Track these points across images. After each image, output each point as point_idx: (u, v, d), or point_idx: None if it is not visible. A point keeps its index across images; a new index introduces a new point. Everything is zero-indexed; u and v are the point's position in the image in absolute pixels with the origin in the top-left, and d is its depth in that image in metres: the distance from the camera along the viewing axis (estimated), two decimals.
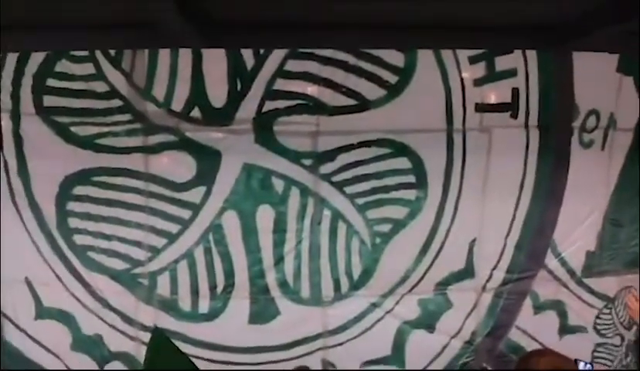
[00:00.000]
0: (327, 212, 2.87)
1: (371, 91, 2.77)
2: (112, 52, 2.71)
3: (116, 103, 2.73)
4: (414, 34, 2.62)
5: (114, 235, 2.79)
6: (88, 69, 2.70)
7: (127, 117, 2.74)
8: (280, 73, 2.75)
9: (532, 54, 2.81)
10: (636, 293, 2.78)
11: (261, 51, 2.73)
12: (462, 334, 3.00)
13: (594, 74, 2.85)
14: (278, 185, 2.83)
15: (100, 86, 2.71)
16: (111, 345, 2.84)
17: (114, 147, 2.75)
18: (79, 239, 2.79)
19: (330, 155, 2.81)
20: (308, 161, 2.82)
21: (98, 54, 2.70)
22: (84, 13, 2.45)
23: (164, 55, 2.72)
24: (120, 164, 2.76)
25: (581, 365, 2.70)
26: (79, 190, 2.76)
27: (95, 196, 2.77)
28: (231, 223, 2.84)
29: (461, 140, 2.83)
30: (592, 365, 2.71)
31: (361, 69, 2.76)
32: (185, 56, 2.72)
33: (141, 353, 2.82)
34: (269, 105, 2.77)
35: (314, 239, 2.88)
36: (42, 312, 2.83)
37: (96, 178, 2.76)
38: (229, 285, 2.88)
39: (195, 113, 2.76)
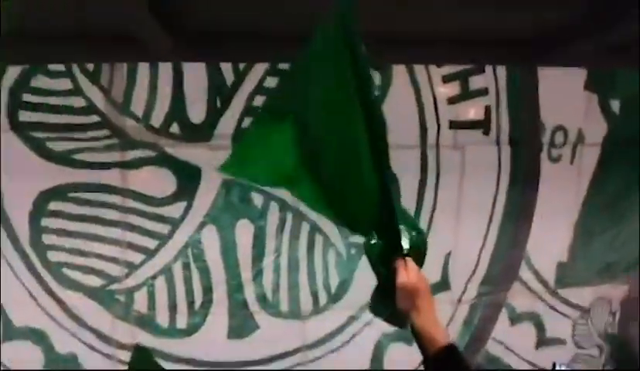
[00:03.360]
0: (305, 226, 2.89)
1: None
2: (90, 67, 2.70)
3: (93, 118, 2.72)
4: (388, 49, 2.67)
5: (90, 251, 2.76)
6: (65, 84, 2.69)
7: (104, 132, 2.73)
8: (260, 89, 2.78)
9: (502, 72, 2.90)
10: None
11: (241, 67, 2.77)
12: None
13: (561, 91, 2.95)
14: (257, 200, 2.85)
15: (77, 102, 2.70)
16: (86, 363, 2.79)
17: (91, 162, 2.73)
18: (53, 255, 2.75)
19: None
20: None
21: (75, 69, 2.69)
22: (60, 26, 2.43)
23: (143, 70, 2.72)
24: (97, 179, 2.73)
25: (557, 367, 2.77)
26: (54, 206, 2.73)
27: (71, 212, 2.74)
28: (210, 238, 2.85)
29: (435, 156, 2.90)
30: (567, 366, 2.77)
31: None
32: (165, 71, 2.73)
33: None
34: (248, 121, 2.80)
35: (292, 253, 2.90)
36: (13, 333, 2.78)
37: (72, 194, 2.73)
38: (208, 300, 2.87)
39: (174, 128, 2.77)
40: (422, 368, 3.06)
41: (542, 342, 3.17)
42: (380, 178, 1.29)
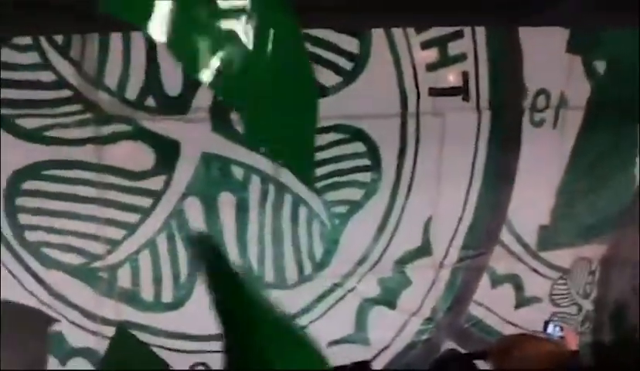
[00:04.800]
0: (288, 197, 2.89)
1: (327, 78, 2.76)
2: (59, 39, 2.60)
3: (65, 93, 2.64)
4: (365, 13, 2.60)
5: (69, 229, 2.73)
6: (33, 58, 2.59)
7: (77, 107, 2.65)
8: None
9: (481, 36, 2.86)
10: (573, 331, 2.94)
11: None
12: (422, 310, 3.11)
13: (543, 54, 2.92)
14: (238, 172, 2.83)
15: (46, 76, 2.62)
16: (72, 341, 2.81)
17: (65, 139, 2.66)
18: (31, 235, 2.72)
19: None
20: None
21: (43, 42, 2.59)
22: None
23: (115, 41, 2.63)
24: (72, 156, 2.68)
25: (550, 328, 2.86)
26: (29, 185, 2.68)
27: (46, 190, 2.69)
28: (193, 211, 2.83)
29: (415, 123, 2.88)
30: (561, 328, 2.87)
31: (317, 56, 2.74)
32: (138, 42, 2.64)
33: (103, 347, 2.81)
34: None
35: (276, 225, 2.90)
36: None
37: (47, 172, 2.68)
38: (193, 272, 2.88)
39: (150, 102, 2.71)
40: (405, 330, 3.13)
41: (522, 301, 3.25)
42: None
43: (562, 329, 2.90)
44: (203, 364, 2.98)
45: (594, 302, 3.40)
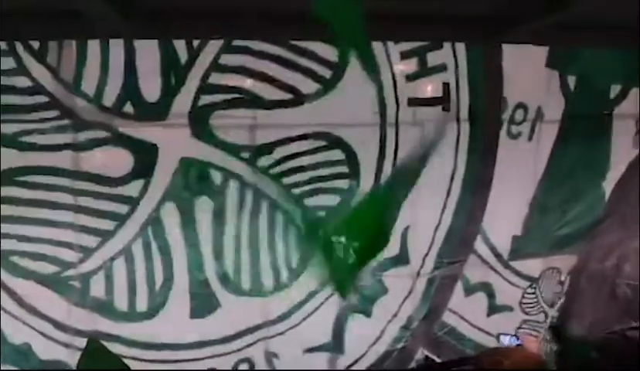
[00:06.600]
0: (265, 204, 2.88)
1: (306, 85, 2.79)
2: (35, 45, 2.57)
3: (41, 99, 2.60)
4: None
5: (42, 237, 2.67)
6: (8, 63, 2.55)
7: (54, 113, 2.61)
8: (215, 67, 2.71)
9: (461, 49, 2.91)
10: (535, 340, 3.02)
11: (194, 45, 2.69)
12: (398, 318, 3.13)
13: (522, 69, 2.98)
14: (216, 178, 2.82)
15: (22, 82, 2.57)
16: (42, 353, 2.73)
17: (42, 145, 2.62)
18: (2, 243, 2.64)
19: (267, 148, 2.83)
20: (245, 154, 2.82)
21: (19, 47, 2.55)
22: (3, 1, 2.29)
23: (93, 47, 2.61)
24: (48, 162, 2.64)
25: (506, 340, 2.92)
26: (2, 191, 2.62)
27: (20, 197, 2.64)
28: (170, 217, 2.81)
29: (394, 133, 2.91)
30: (517, 338, 2.92)
31: (296, 64, 2.77)
32: (117, 49, 2.62)
33: (75, 360, 2.73)
34: (204, 99, 2.73)
35: (253, 231, 2.90)
36: None
37: (21, 178, 2.63)
38: (169, 280, 2.84)
39: (128, 108, 2.68)
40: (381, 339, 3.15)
41: (493, 309, 3.30)
42: None
43: (518, 338, 2.97)
44: None
45: (559, 310, 3.47)
